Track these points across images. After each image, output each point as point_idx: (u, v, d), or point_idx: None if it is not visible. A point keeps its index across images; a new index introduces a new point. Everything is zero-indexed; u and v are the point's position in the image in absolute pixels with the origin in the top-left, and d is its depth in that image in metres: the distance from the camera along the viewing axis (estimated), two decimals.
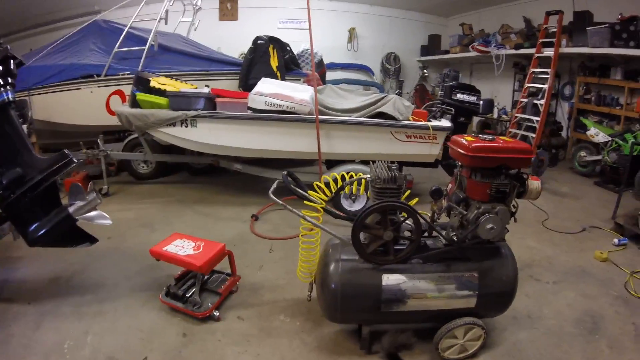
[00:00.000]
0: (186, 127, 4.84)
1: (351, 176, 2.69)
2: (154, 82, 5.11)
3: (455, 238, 2.48)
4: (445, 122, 5.26)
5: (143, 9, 6.11)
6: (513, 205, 2.55)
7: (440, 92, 6.46)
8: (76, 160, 3.10)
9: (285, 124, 4.74)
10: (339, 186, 2.60)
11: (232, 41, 9.50)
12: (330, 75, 10.36)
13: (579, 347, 2.89)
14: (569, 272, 4.00)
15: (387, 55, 11.96)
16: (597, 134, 7.08)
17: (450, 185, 2.65)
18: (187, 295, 3.15)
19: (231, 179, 6.53)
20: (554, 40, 7.87)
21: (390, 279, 2.48)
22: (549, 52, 7.97)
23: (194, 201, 5.61)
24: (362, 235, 2.40)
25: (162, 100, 4.98)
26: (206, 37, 8.17)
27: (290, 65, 6.41)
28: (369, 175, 2.48)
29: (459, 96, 6.00)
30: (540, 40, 8.19)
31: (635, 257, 4.36)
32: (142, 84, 5.19)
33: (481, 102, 6.33)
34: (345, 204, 4.99)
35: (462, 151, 2.40)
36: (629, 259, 4.30)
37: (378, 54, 11.94)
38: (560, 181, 7.09)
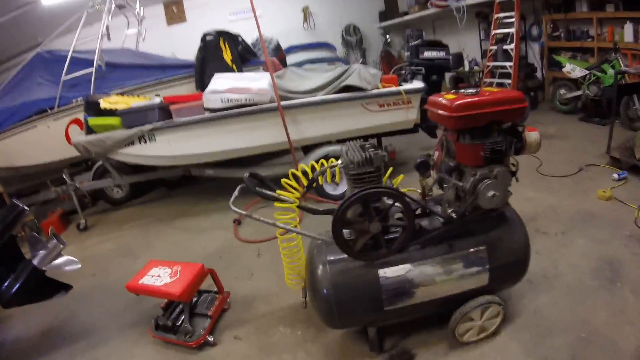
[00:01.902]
0: (145, 143, 4.41)
1: (322, 165, 2.28)
2: (104, 103, 4.70)
3: (453, 214, 2.09)
4: (417, 83, 4.88)
5: (86, 30, 5.70)
6: (512, 164, 2.17)
7: (406, 54, 6.03)
8: (27, 209, 2.85)
9: (247, 118, 4.30)
10: (310, 178, 2.19)
11: (186, 44, 8.89)
12: (291, 58, 9.92)
13: (602, 300, 2.65)
14: (575, 218, 3.73)
15: (345, 27, 11.46)
16: (573, 69, 6.84)
17: (436, 153, 2.25)
18: (177, 324, 2.86)
19: (208, 185, 6.13)
20: None
21: (388, 273, 2.11)
22: None
23: (173, 217, 5.21)
24: (346, 232, 2.00)
25: (114, 120, 4.55)
26: (158, 46, 7.70)
27: (246, 56, 5.93)
28: (340, 162, 2.05)
29: (427, 54, 5.61)
30: None
31: (639, 189, 4.13)
32: (92, 107, 4.79)
33: (450, 56, 5.92)
34: (329, 188, 4.60)
35: (444, 113, 1.99)
36: (633, 192, 4.05)
37: (336, 28, 11.42)
38: (545, 123, 6.76)
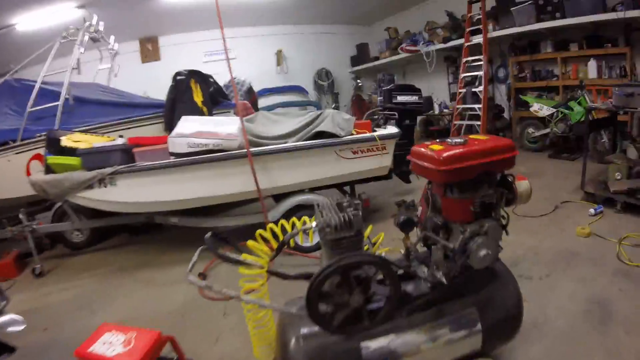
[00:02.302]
0: (105, 187, 4.02)
1: (294, 225, 1.98)
2: (66, 141, 4.30)
3: (443, 278, 1.82)
4: (391, 128, 4.70)
5: (59, 61, 5.34)
6: (502, 217, 1.94)
7: (379, 98, 5.91)
8: None
9: (215, 165, 3.97)
10: (280, 241, 1.88)
11: (159, 83, 8.65)
12: (264, 101, 9.80)
13: (596, 342, 2.51)
14: (557, 259, 3.58)
15: (318, 71, 11.51)
16: (540, 108, 6.95)
17: (420, 208, 2.00)
18: None
19: (174, 233, 5.66)
20: (480, 27, 7.65)
21: (372, 347, 1.80)
22: (477, 39, 7.76)
23: (135, 267, 4.75)
24: (322, 305, 1.69)
25: (74, 160, 4.16)
26: (131, 83, 7.47)
27: (217, 98, 5.70)
28: (314, 224, 1.77)
29: (400, 98, 5.49)
30: (468, 29, 7.97)
31: (616, 222, 4.10)
32: (53, 144, 4.37)
33: (423, 100, 5.85)
34: (302, 238, 4.29)
35: (431, 165, 1.75)
36: (611, 225, 4.02)
37: (309, 72, 11.45)
38: (516, 162, 6.65)
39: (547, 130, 6.96)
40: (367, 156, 4.35)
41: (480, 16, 7.63)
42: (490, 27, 7.79)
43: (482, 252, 1.74)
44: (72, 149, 4.22)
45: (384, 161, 4.48)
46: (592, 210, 4.32)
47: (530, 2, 7.08)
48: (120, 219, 4.85)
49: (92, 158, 4.07)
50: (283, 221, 2.01)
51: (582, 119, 6.05)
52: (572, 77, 7.30)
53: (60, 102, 5.12)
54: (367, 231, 1.94)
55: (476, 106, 7.59)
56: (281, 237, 1.92)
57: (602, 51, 6.82)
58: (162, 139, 4.22)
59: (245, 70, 9.07)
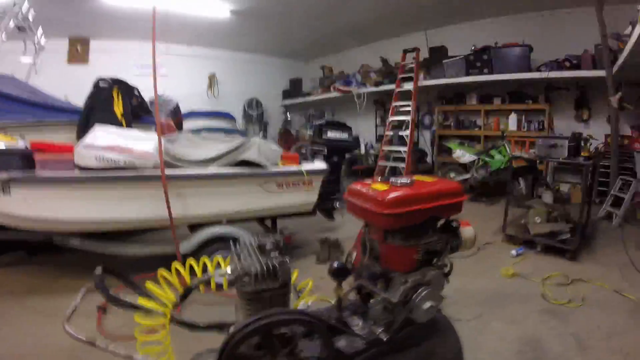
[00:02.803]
0: None
1: (204, 265, 1.62)
2: None
3: (382, 334, 1.55)
4: (320, 164, 4.44)
5: None
6: (444, 265, 1.75)
7: (308, 133, 5.74)
8: None
9: (124, 185, 3.46)
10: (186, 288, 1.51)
11: (83, 88, 7.90)
12: (189, 124, 9.19)
13: None
14: (485, 300, 3.51)
15: (248, 100, 11.20)
16: (463, 155, 7.15)
17: (354, 253, 1.75)
18: None
19: (77, 256, 4.87)
20: (412, 75, 8.00)
21: None
22: (408, 86, 8.06)
23: (27, 292, 3.95)
24: None
25: None
26: (53, 83, 6.58)
27: (139, 112, 5.16)
28: (228, 270, 1.42)
29: (331, 134, 5.37)
30: (400, 76, 8.25)
31: (537, 263, 4.20)
32: None
33: (352, 139, 5.79)
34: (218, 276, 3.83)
35: (372, 208, 1.52)
36: (533, 266, 4.10)
37: (239, 99, 11.10)
38: None
39: (468, 175, 7.16)
40: (293, 191, 4.06)
41: (413, 65, 7.99)
42: (421, 76, 8.10)
43: (427, 305, 1.52)
44: None
45: (309, 197, 4.21)
46: (513, 252, 4.40)
47: (461, 56, 7.51)
48: (15, 234, 4.09)
49: None
50: (191, 261, 1.64)
51: (503, 167, 6.40)
52: (494, 129, 7.79)
53: None
54: (293, 277, 1.65)
55: (402, 149, 7.78)
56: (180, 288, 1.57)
57: (523, 106, 7.38)
58: (70, 148, 3.64)
59: (176, 89, 8.48)
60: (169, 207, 3.33)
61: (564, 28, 7.06)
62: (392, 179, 1.61)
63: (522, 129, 7.43)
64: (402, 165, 7.63)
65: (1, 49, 4.86)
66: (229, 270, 1.33)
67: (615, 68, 5.45)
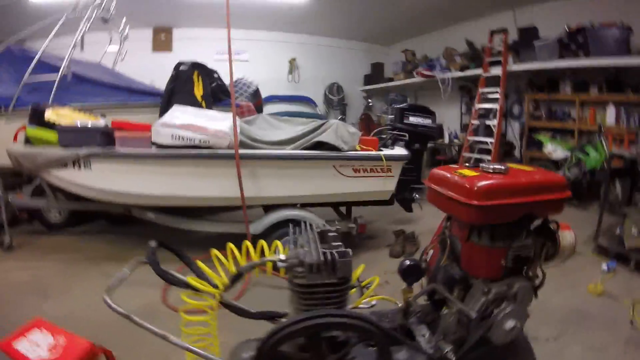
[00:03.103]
0: (79, 169, 3.54)
1: (262, 251, 1.46)
2: (50, 114, 3.86)
3: (450, 355, 1.30)
4: (400, 150, 4.21)
5: (69, 38, 4.94)
6: (536, 275, 1.46)
7: (389, 117, 5.39)
8: None
9: (198, 162, 3.49)
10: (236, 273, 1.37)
11: (167, 74, 8.36)
12: (270, 108, 9.35)
13: None
14: (567, 318, 3.13)
15: (329, 85, 11.06)
16: (555, 150, 6.43)
17: (431, 251, 1.52)
18: None
19: (155, 229, 5.15)
20: (500, 59, 7.37)
21: None
22: (496, 71, 7.45)
23: (104, 258, 4.24)
24: None
25: (52, 135, 3.71)
26: (139, 70, 7.03)
27: (219, 95, 5.22)
28: (282, 256, 1.21)
29: (413, 119, 5.00)
30: (487, 59, 7.66)
31: (629, 282, 3.70)
32: (37, 116, 3.94)
33: (436, 125, 5.38)
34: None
35: (459, 197, 1.26)
36: (623, 285, 3.62)
37: (320, 84, 11.00)
38: None
39: (560, 174, 6.47)
40: (370, 176, 3.84)
41: (501, 48, 7.36)
42: (510, 60, 7.44)
43: (510, 325, 1.26)
44: (54, 123, 3.80)
45: (387, 184, 3.97)
46: (604, 266, 3.88)
47: (554, 38, 6.75)
48: (97, 205, 4.39)
49: (69, 135, 3.61)
50: (263, 242, 1.50)
51: (599, 166, 5.61)
52: (590, 122, 6.90)
53: (58, 76, 4.72)
54: (358, 271, 1.45)
55: (488, 140, 7.27)
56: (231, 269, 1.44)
57: (622, 97, 6.41)
58: (148, 127, 3.76)
59: (256, 74, 8.60)
60: (241, 186, 3.30)
61: None
62: (483, 165, 1.35)
63: (621, 123, 6.42)
64: (487, 157, 7.13)
65: (88, 40, 5.13)
66: (282, 256, 1.16)
67: None
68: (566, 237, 1.44)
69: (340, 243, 1.23)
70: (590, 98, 6.86)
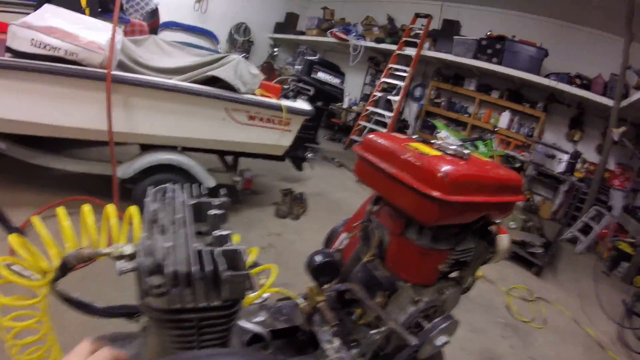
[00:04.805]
0: None
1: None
2: None
3: None
4: (303, 104, 3.74)
5: None
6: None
7: (296, 67, 4.81)
8: None
9: (59, 80, 2.58)
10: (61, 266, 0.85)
11: None
12: (166, 34, 8.15)
13: None
14: None
15: (237, 25, 10.07)
16: (447, 137, 6.55)
17: (344, 241, 1.18)
18: None
19: (5, 161, 3.80)
20: (417, 41, 7.42)
21: None
22: (411, 51, 7.49)
23: None
24: None
25: None
26: None
27: (109, 6, 4.25)
28: (126, 249, 0.72)
29: (321, 75, 4.53)
30: (404, 38, 7.65)
31: (504, 270, 4.03)
32: None
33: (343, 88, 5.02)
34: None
35: (419, 185, 0.88)
36: (499, 272, 3.92)
37: (228, 21, 9.95)
38: None
39: None
40: (266, 127, 3.37)
41: (421, 32, 7.42)
42: (426, 45, 7.55)
43: (441, 340, 1.00)
44: None
45: (283, 139, 3.55)
46: None
47: (475, 39, 6.99)
48: None
49: None
50: (133, 210, 0.98)
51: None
52: (484, 120, 7.43)
53: None
54: (252, 256, 1.06)
55: (387, 113, 7.33)
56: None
57: (519, 107, 6.98)
58: (5, 26, 2.75)
59: None
60: (109, 117, 2.59)
61: (584, 45, 6.67)
62: (439, 143, 1.03)
63: (512, 130, 7.08)
64: (383, 130, 7.11)
65: None
66: (127, 247, 0.67)
67: (624, 103, 5.14)
68: (503, 241, 1.21)
69: (229, 232, 0.78)
70: (490, 100, 7.34)
